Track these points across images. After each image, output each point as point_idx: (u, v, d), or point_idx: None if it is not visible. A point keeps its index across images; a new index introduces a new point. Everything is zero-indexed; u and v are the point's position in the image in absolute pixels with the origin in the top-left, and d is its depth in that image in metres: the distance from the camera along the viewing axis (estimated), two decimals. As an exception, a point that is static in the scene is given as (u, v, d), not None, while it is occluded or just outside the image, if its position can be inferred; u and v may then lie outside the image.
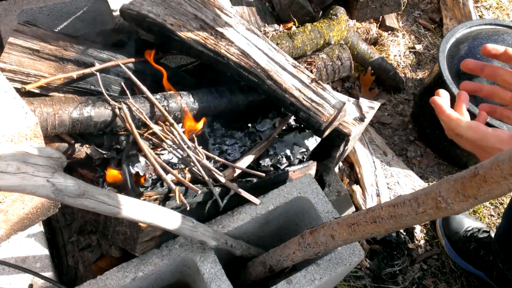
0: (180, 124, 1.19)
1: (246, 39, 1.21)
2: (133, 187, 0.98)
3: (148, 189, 1.00)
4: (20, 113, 0.83)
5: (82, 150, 1.11)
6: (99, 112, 1.04)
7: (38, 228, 1.06)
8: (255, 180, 1.14)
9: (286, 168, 1.21)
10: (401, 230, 1.60)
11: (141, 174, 1.01)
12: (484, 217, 1.70)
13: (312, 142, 1.28)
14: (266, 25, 1.87)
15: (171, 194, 0.98)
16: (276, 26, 1.90)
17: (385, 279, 1.49)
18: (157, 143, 1.08)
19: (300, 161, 1.25)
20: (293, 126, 1.32)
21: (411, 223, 0.65)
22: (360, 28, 2.08)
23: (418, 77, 2.09)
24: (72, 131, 1.03)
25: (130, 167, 1.02)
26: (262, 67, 1.17)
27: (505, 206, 1.67)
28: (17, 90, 0.94)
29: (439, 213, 0.59)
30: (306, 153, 1.25)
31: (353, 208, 1.53)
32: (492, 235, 1.49)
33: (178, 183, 1.00)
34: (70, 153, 1.08)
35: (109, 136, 1.10)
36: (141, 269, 0.97)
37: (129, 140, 1.07)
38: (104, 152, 1.05)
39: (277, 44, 1.55)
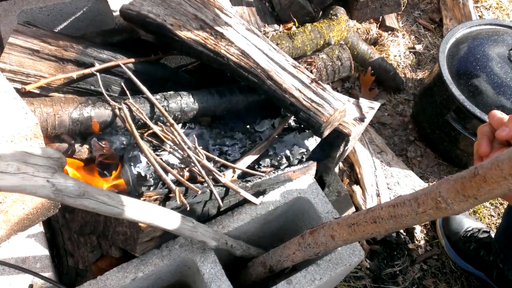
0: (180, 124, 1.19)
1: (246, 39, 1.21)
2: (135, 187, 0.98)
3: (151, 189, 1.00)
4: (20, 114, 0.83)
5: (82, 150, 1.11)
6: (99, 113, 1.04)
7: (38, 228, 1.06)
8: (255, 180, 1.14)
9: (286, 169, 1.21)
10: (401, 231, 1.60)
11: (143, 174, 1.01)
12: (484, 217, 1.70)
13: (312, 142, 1.28)
14: (266, 25, 1.87)
15: (171, 195, 0.98)
16: (276, 26, 1.90)
17: (385, 279, 1.49)
18: (157, 144, 1.08)
19: (300, 161, 1.25)
20: (293, 127, 1.32)
21: (411, 223, 0.65)
22: (360, 28, 2.08)
23: (418, 77, 2.09)
24: (72, 131, 1.03)
25: (132, 167, 1.02)
26: (262, 67, 1.17)
27: (505, 206, 1.67)
28: (17, 90, 0.94)
29: (439, 213, 0.59)
30: (305, 153, 1.25)
31: (353, 209, 1.53)
32: (492, 235, 1.49)
33: (179, 183, 1.00)
34: (70, 153, 1.08)
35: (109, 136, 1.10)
36: (141, 270, 0.97)
37: (130, 141, 1.07)
38: (104, 145, 1.05)
39: (277, 44, 1.56)
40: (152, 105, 1.11)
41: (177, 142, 1.07)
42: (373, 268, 1.49)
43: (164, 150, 1.08)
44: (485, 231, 1.51)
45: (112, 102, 1.06)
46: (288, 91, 1.16)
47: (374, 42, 2.12)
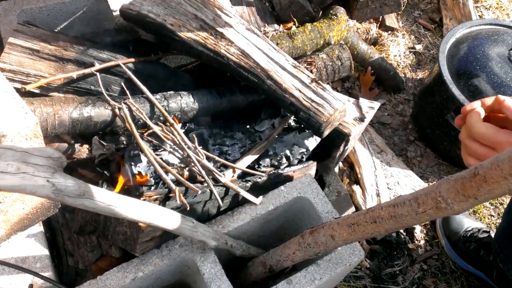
0: (180, 124, 1.19)
1: (246, 39, 1.21)
2: (136, 187, 0.98)
3: (152, 189, 1.00)
4: (20, 113, 0.83)
5: (82, 150, 1.11)
6: (99, 112, 1.04)
7: (38, 228, 1.06)
8: (255, 180, 1.14)
9: (286, 168, 1.21)
10: (401, 230, 1.60)
11: (143, 174, 1.01)
12: (484, 217, 1.70)
13: (312, 142, 1.28)
14: (266, 25, 1.87)
15: (171, 194, 0.98)
16: (276, 26, 1.90)
17: (385, 279, 1.49)
18: (157, 144, 1.08)
19: (300, 161, 1.25)
20: (293, 126, 1.32)
21: (411, 223, 0.65)
22: (360, 28, 2.08)
23: (418, 77, 2.09)
24: (72, 131, 1.03)
25: (133, 167, 1.01)
26: (262, 67, 1.17)
27: (505, 206, 1.67)
28: (17, 90, 0.94)
29: (439, 213, 0.59)
30: (305, 153, 1.25)
31: (353, 208, 1.53)
32: (492, 235, 1.49)
33: (179, 183, 1.00)
34: (70, 153, 1.08)
35: (109, 136, 1.10)
36: (141, 269, 0.97)
37: (131, 140, 1.07)
38: (104, 144, 1.05)
39: (277, 44, 1.55)
40: (152, 105, 1.11)
41: (177, 142, 1.07)
42: (373, 268, 1.49)
43: (164, 150, 1.08)
44: (485, 231, 1.51)
45: (112, 102, 1.06)
46: (288, 90, 1.16)
47: (374, 42, 2.12)
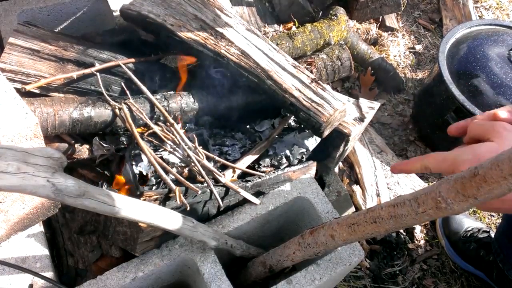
0: (180, 124, 1.19)
1: (246, 39, 1.21)
2: (137, 186, 0.98)
3: (153, 189, 1.00)
4: (20, 113, 0.83)
5: (82, 150, 1.11)
6: (99, 112, 1.04)
7: (38, 228, 1.06)
8: (255, 180, 1.14)
9: (286, 169, 1.21)
10: (401, 230, 1.60)
11: (144, 173, 1.01)
12: (484, 217, 1.70)
13: (312, 142, 1.28)
14: (266, 25, 1.87)
15: (171, 194, 0.98)
16: (276, 26, 1.90)
17: (385, 279, 1.49)
18: (157, 144, 1.08)
19: (300, 161, 1.25)
20: (293, 127, 1.32)
21: (411, 223, 0.65)
22: (360, 29, 2.08)
23: (418, 77, 2.09)
24: (72, 131, 1.04)
25: (134, 166, 1.02)
26: (262, 67, 1.17)
27: (505, 206, 1.67)
28: (17, 90, 0.94)
29: (439, 213, 0.59)
30: (305, 153, 1.25)
31: (353, 208, 1.53)
32: (492, 235, 1.49)
33: (179, 183, 1.00)
34: (70, 153, 1.08)
35: (109, 136, 1.10)
36: (141, 269, 0.97)
37: (132, 140, 1.07)
38: (105, 145, 1.05)
39: (277, 44, 1.56)
40: (152, 105, 1.11)
41: (177, 142, 1.07)
42: (373, 268, 1.50)
43: (165, 150, 1.08)
44: (485, 231, 1.51)
45: (112, 102, 1.06)
46: (288, 91, 1.16)
47: (374, 42, 2.12)
